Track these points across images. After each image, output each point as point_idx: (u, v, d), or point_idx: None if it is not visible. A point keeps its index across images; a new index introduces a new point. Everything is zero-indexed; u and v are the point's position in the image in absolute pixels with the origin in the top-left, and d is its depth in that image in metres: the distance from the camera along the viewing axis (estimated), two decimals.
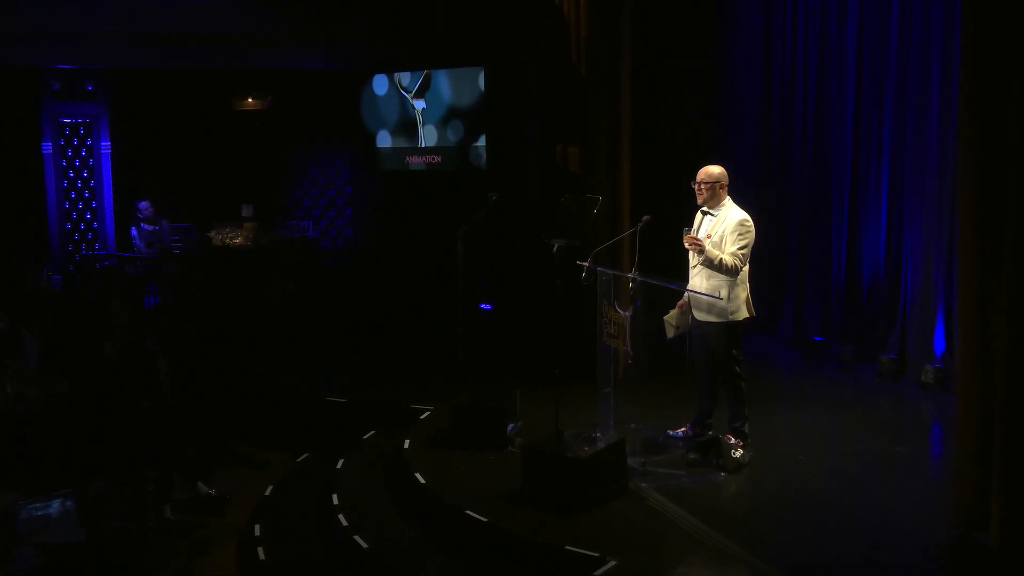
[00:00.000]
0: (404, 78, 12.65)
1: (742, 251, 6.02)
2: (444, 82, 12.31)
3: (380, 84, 12.90)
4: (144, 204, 11.87)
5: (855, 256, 8.85)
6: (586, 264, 5.96)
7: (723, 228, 6.09)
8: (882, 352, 8.39)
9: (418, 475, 6.17)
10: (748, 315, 6.16)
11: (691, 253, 6.20)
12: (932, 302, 7.95)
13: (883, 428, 7.15)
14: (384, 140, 13.01)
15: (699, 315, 6.21)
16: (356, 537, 5.78)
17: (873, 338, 8.60)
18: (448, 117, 12.32)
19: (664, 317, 6.28)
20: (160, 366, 6.87)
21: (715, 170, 6.19)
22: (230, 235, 12.06)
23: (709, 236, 6.13)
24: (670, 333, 6.28)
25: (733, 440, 6.20)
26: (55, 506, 6.07)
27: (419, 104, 12.58)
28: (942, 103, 7.76)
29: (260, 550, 6.14)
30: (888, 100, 8.38)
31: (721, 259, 5.99)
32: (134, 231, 11.94)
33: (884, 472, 6.18)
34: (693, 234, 6.18)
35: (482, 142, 12.05)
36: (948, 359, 7.78)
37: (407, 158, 12.82)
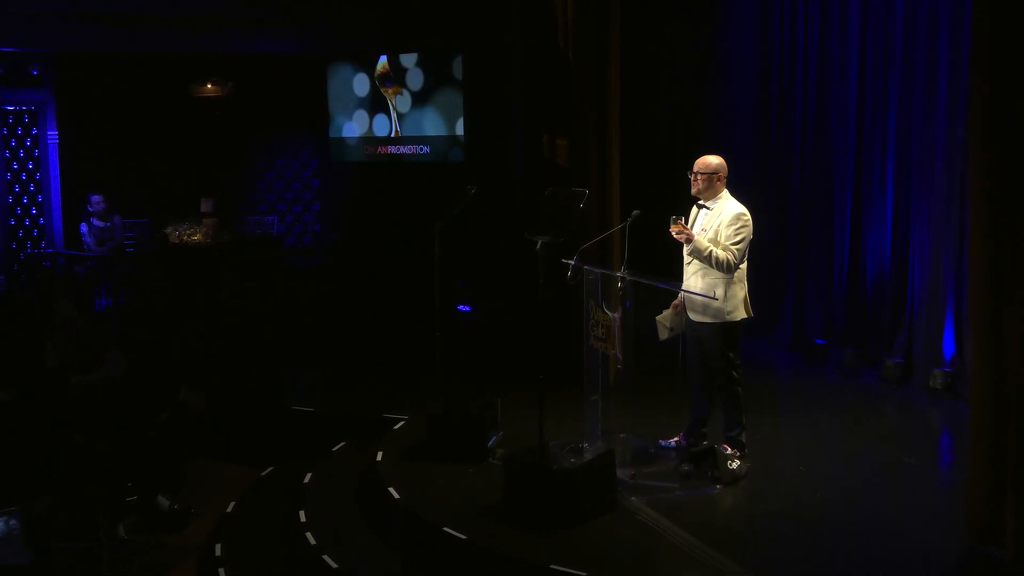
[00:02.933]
0: (376, 63, 12.62)
1: (737, 246, 6.02)
2: (419, 67, 12.29)
3: (349, 69, 12.86)
4: (96, 198, 11.78)
5: (858, 253, 8.89)
6: (572, 262, 5.95)
7: (718, 222, 6.10)
8: (887, 355, 8.43)
9: (392, 490, 6.15)
10: (745, 315, 6.16)
11: (685, 249, 6.20)
12: (941, 302, 7.99)
13: (889, 436, 7.20)
14: (354, 129, 12.98)
15: (693, 316, 6.22)
16: (325, 557, 5.75)
17: (878, 341, 8.64)
18: (423, 105, 12.30)
19: (657, 317, 6.28)
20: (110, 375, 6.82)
21: (713, 160, 6.20)
22: (188, 232, 12.00)
23: (704, 231, 6.13)
24: (663, 335, 6.28)
25: (729, 450, 6.21)
26: None
27: (392, 91, 12.55)
28: (951, 89, 7.80)
29: (221, 571, 6.10)
30: (893, 86, 8.42)
31: (711, 252, 5.99)
32: (84, 227, 11.86)
33: (890, 483, 6.21)
34: (688, 228, 6.19)
35: (460, 131, 12.04)
36: (958, 362, 7.82)
37: (379, 149, 12.79)
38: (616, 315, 5.89)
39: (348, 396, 8.68)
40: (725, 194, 6.21)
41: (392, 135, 12.63)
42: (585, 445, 5.94)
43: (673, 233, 6.03)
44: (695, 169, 6.21)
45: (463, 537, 5.46)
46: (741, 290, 6.13)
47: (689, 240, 6.01)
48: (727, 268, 6.01)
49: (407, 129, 12.49)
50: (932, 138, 8.03)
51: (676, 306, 6.28)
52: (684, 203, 6.37)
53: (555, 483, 5.55)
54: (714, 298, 6.04)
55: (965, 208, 7.37)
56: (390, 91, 12.55)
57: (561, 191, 6.22)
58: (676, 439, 6.56)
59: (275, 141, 14.29)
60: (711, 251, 6.00)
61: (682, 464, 6.21)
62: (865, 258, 8.81)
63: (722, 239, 6.06)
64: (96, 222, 11.77)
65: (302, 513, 6.33)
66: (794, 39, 9.48)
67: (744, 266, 6.13)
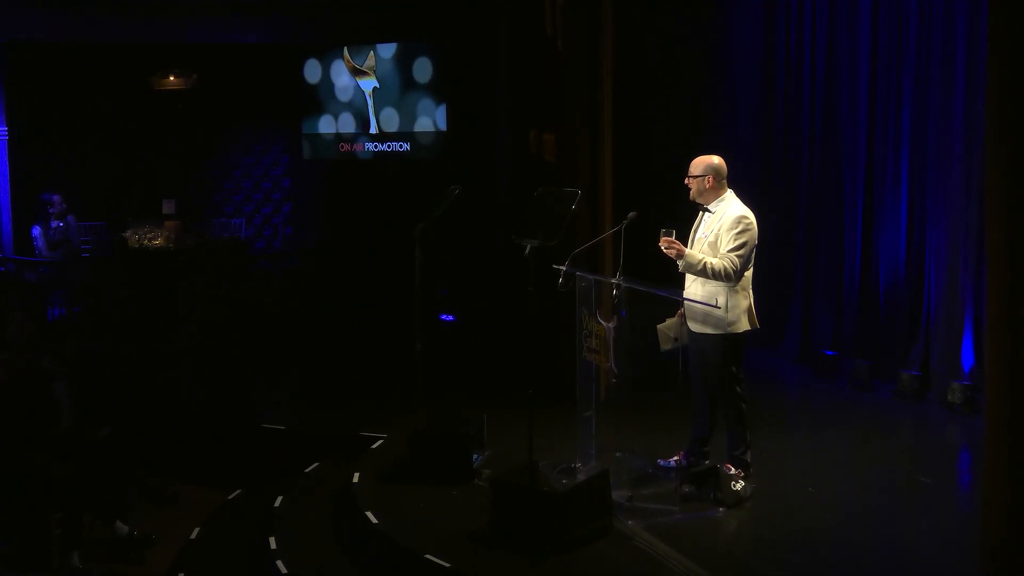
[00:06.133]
0: (351, 54, 12.64)
1: (738, 252, 6.01)
2: (398, 58, 12.31)
3: (323, 61, 12.87)
4: (57, 198, 11.75)
5: (870, 258, 8.92)
6: (563, 268, 5.97)
7: (719, 226, 6.11)
8: (902, 368, 8.46)
9: (369, 514, 6.15)
10: (750, 327, 6.17)
11: (679, 265, 6.20)
12: (959, 310, 8.03)
13: (904, 455, 7.22)
14: (328, 125, 12.99)
15: (694, 326, 6.23)
16: None
17: (892, 352, 8.67)
18: (403, 99, 12.32)
19: (658, 326, 6.28)
20: (57, 389, 6.80)
21: (704, 161, 6.20)
22: (149, 235, 11.97)
23: (704, 236, 6.15)
24: (666, 345, 6.28)
25: (733, 470, 6.22)
26: None
27: (369, 84, 12.56)
28: (969, 82, 7.84)
29: None
30: (907, 79, 8.46)
31: (706, 263, 5.98)
32: (37, 230, 11.82)
33: (905, 506, 6.24)
34: (692, 234, 6.21)
35: (442, 127, 12.06)
36: (978, 375, 7.85)
37: (355, 146, 12.80)
38: (610, 325, 5.90)
39: (322, 413, 8.67)
40: (728, 196, 6.21)
41: (370, 131, 12.64)
42: (578, 465, 5.94)
43: (663, 247, 6.02)
44: (689, 172, 6.23)
45: (446, 565, 5.45)
46: (745, 299, 6.14)
47: (680, 255, 6.01)
48: (727, 277, 5.98)
49: (386, 124, 12.51)
50: (949, 134, 8.06)
51: (681, 314, 6.28)
52: (683, 204, 6.39)
53: (545, 506, 5.56)
54: (716, 307, 6.04)
55: (984, 208, 7.40)
56: (368, 84, 12.56)
57: (551, 192, 6.22)
58: (676, 458, 6.57)
59: (243, 138, 14.26)
60: (704, 263, 5.98)
61: (682, 485, 6.21)
62: (878, 263, 8.84)
63: (722, 244, 6.07)
64: (54, 223, 11.74)
65: (272, 540, 6.31)
66: (801, 29, 9.51)
67: (748, 274, 6.13)
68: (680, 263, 6.08)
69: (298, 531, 6.50)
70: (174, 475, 8.17)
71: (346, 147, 12.87)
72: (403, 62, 12.26)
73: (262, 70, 13.46)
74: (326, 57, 12.82)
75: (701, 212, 6.26)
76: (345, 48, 12.65)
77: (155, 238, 11.95)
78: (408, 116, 12.29)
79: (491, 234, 10.64)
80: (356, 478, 6.74)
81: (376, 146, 12.62)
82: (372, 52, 12.41)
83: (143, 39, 12.72)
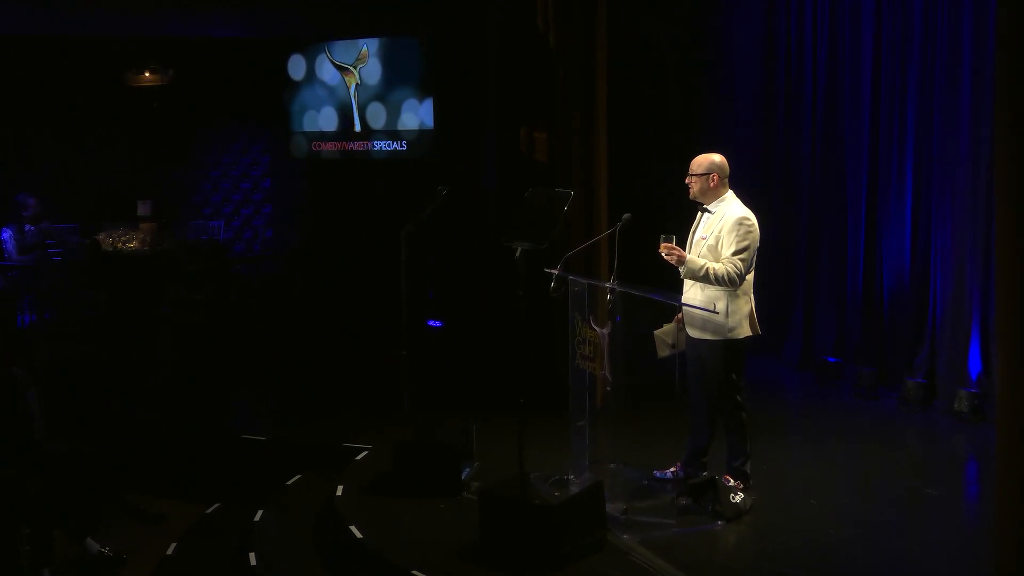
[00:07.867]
0: (335, 49, 12.62)
1: (740, 256, 6.01)
2: (383, 54, 12.30)
3: (306, 57, 12.85)
4: (32, 200, 11.70)
5: (874, 261, 8.94)
6: (555, 272, 5.96)
7: (719, 227, 6.11)
8: (908, 375, 8.47)
9: (353, 528, 6.14)
10: (750, 333, 6.17)
11: (681, 271, 6.19)
12: (966, 315, 8.04)
13: (910, 466, 7.22)
14: (311, 123, 12.96)
15: (692, 332, 6.23)
16: None
17: (897, 358, 8.69)
18: (388, 96, 12.31)
19: (656, 332, 6.28)
20: (30, 399, 6.76)
21: (707, 159, 6.21)
22: (123, 238, 11.93)
23: (704, 238, 6.15)
24: (663, 352, 6.28)
25: (732, 482, 6.22)
26: None
27: (353, 81, 12.55)
28: (976, 77, 7.86)
29: None
30: (912, 74, 8.48)
31: (708, 269, 5.98)
32: (6, 233, 11.77)
33: (911, 518, 6.24)
34: (690, 235, 6.20)
35: (429, 125, 12.05)
36: (985, 383, 7.87)
37: (338, 145, 12.78)
38: (605, 331, 5.89)
39: (304, 423, 8.65)
40: (729, 196, 6.21)
41: (355, 129, 12.63)
42: (571, 477, 5.94)
43: (663, 254, 6.03)
44: (691, 170, 6.23)
45: None
46: (746, 304, 6.14)
47: (681, 261, 6.01)
48: (730, 282, 5.99)
49: (370, 123, 12.49)
50: (955, 132, 8.09)
51: (679, 320, 6.29)
52: (680, 206, 6.38)
53: (537, 520, 5.55)
54: (715, 312, 6.04)
55: (992, 210, 7.42)
56: (352, 82, 12.55)
57: (543, 192, 6.22)
58: (673, 470, 6.57)
59: (222, 136, 14.23)
60: (707, 268, 5.99)
61: (680, 498, 6.22)
62: (882, 267, 8.86)
63: (723, 247, 6.06)
64: (28, 227, 11.69)
65: (252, 556, 6.31)
66: (802, 23, 9.53)
67: (750, 278, 6.13)
68: (682, 269, 6.07)
69: (279, 546, 6.49)
70: (150, 488, 8.16)
71: (330, 146, 12.85)
72: (389, 57, 12.24)
73: (242, 66, 13.43)
74: (310, 52, 12.80)
75: (700, 213, 6.26)
76: (328, 44, 12.63)
77: (130, 241, 11.91)
78: (394, 114, 12.27)
79: (480, 236, 10.62)
80: (339, 491, 6.73)
81: (362, 145, 12.61)
82: (365, 47, 12.39)
83: (117, 33, 12.67)
